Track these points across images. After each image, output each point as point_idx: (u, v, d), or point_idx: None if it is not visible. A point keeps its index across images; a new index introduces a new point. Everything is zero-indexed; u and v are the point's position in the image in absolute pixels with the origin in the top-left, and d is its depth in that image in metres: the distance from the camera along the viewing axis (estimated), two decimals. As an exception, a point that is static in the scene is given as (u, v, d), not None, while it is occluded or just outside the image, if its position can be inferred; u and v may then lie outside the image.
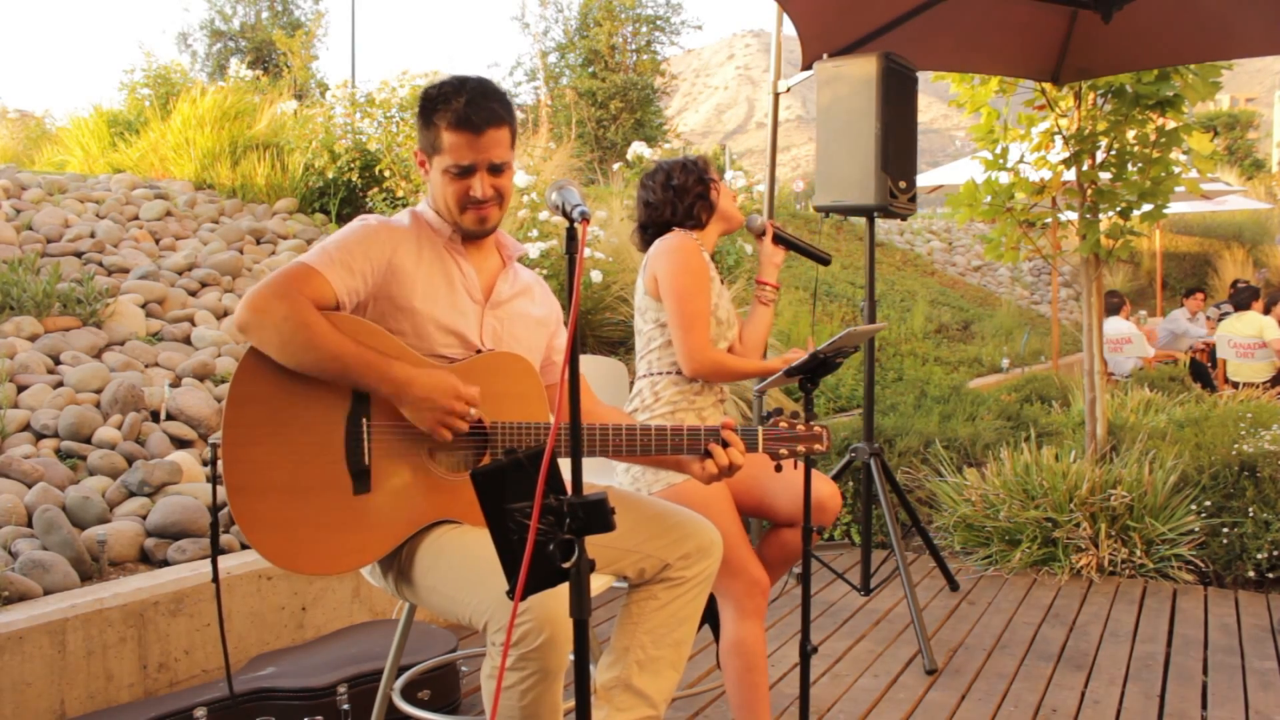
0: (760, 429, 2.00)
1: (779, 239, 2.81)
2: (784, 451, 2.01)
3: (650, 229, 2.69)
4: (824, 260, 2.87)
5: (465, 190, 1.95)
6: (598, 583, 2.15)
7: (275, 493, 1.79)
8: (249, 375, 1.80)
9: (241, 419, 1.79)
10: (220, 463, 1.79)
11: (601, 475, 2.58)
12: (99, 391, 3.83)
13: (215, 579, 2.11)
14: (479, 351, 1.98)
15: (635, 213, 2.78)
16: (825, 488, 2.44)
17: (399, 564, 1.93)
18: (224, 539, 3.17)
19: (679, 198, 2.66)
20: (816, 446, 2.03)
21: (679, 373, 2.51)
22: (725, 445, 1.95)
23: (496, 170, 1.95)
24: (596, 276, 5.66)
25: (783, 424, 2.01)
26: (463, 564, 1.81)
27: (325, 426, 1.81)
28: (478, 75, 2.00)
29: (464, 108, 1.90)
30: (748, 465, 2.44)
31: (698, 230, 2.66)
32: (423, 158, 2.01)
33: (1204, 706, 2.91)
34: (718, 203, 2.67)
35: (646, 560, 2.01)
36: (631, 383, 2.67)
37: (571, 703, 1.47)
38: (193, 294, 5.07)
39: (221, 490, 1.79)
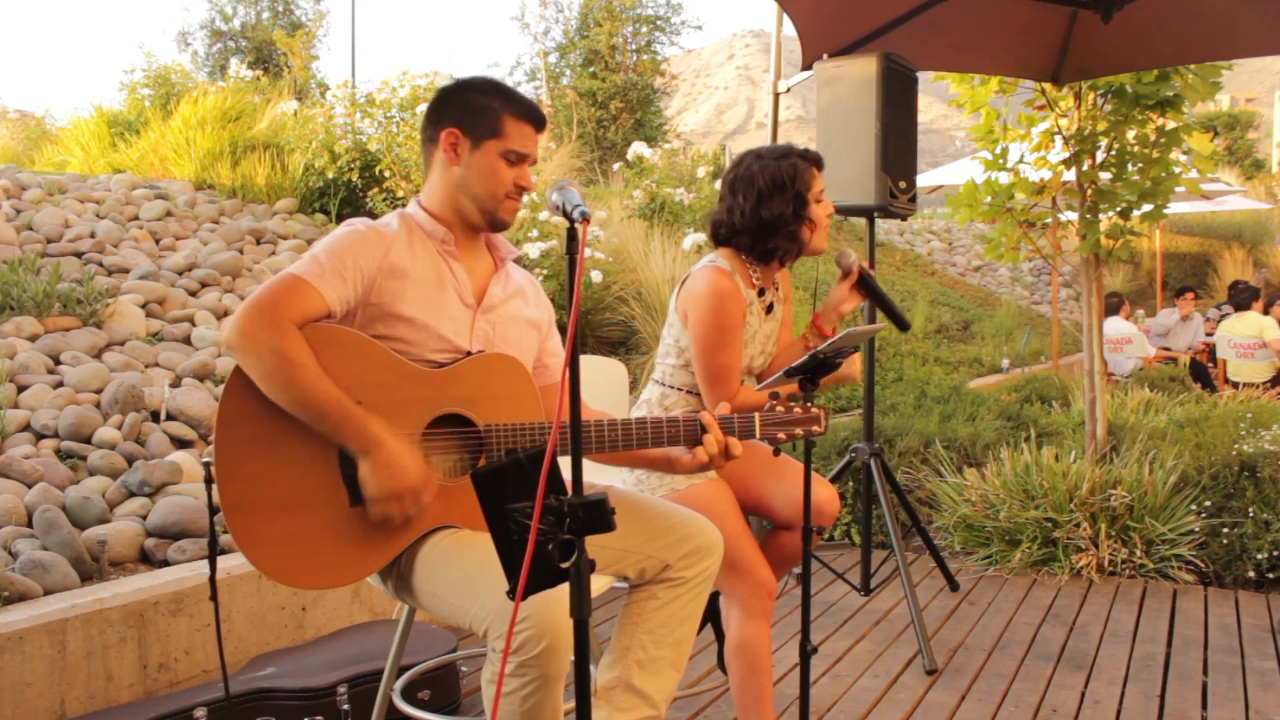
0: (757, 415, 1.98)
1: (866, 284, 2.48)
2: (782, 436, 1.98)
3: (720, 236, 2.46)
4: (904, 326, 2.54)
5: (514, 178, 1.98)
6: (598, 583, 2.15)
7: (272, 509, 1.77)
8: (238, 392, 1.76)
9: (233, 437, 1.76)
10: (214, 481, 1.77)
11: (602, 475, 2.58)
12: (99, 391, 3.83)
13: (213, 586, 2.10)
14: (469, 353, 1.96)
15: (716, 202, 2.50)
16: (823, 491, 2.42)
17: (399, 570, 1.92)
18: (224, 539, 3.17)
19: (764, 233, 2.37)
20: (815, 428, 1.99)
21: (690, 392, 2.48)
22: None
23: (532, 166, 2.04)
24: (596, 276, 5.66)
25: (779, 408, 1.98)
26: (462, 570, 1.80)
27: (318, 439, 1.79)
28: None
29: (528, 104, 2.00)
30: (745, 464, 2.43)
31: (763, 266, 2.45)
32: (456, 138, 1.96)
33: (1204, 706, 2.91)
34: (808, 243, 2.39)
35: (647, 560, 2.01)
36: (633, 383, 2.65)
37: (572, 703, 1.47)
38: (193, 294, 5.07)
39: (217, 502, 1.77)
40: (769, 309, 2.52)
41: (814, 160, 2.43)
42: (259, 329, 1.73)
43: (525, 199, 5.98)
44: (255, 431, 1.77)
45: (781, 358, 2.56)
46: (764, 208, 2.37)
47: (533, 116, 2.00)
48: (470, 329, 1.98)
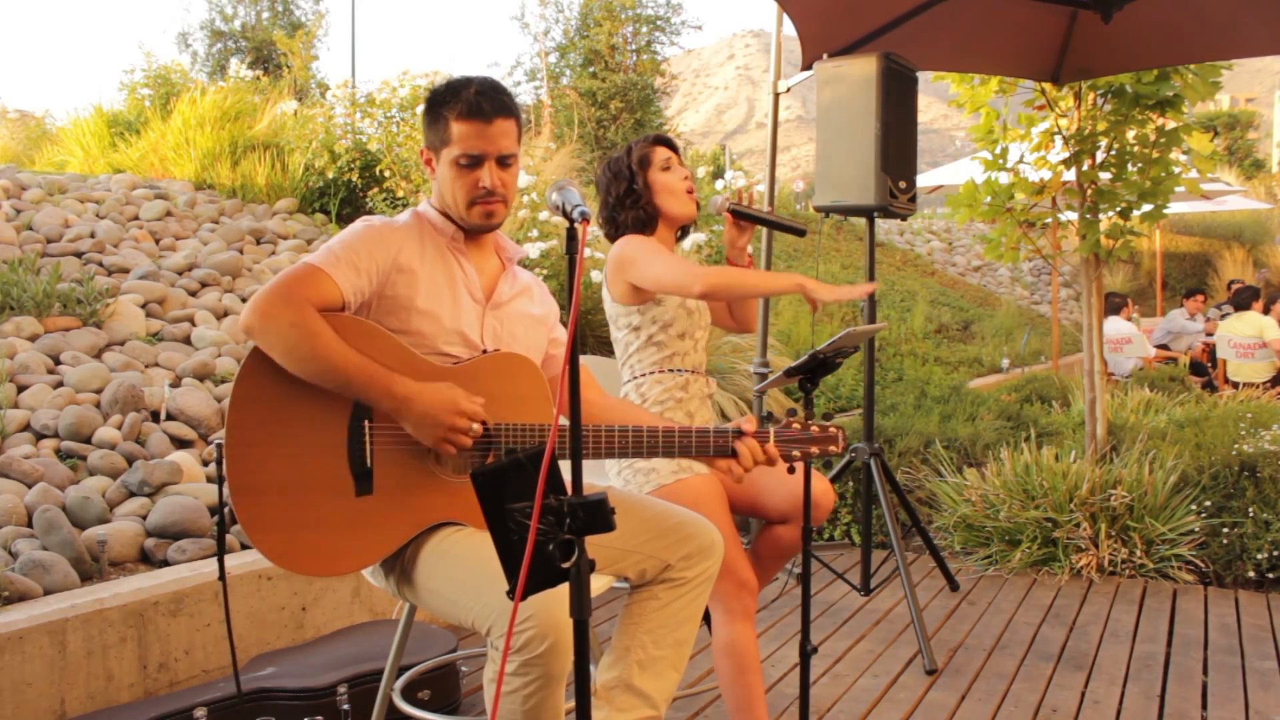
0: (773, 430, 1.98)
1: (738, 214, 2.57)
2: (797, 453, 1.98)
3: (606, 234, 2.64)
4: (799, 232, 2.58)
5: (475, 182, 1.95)
6: (598, 583, 2.15)
7: (278, 493, 1.79)
8: (252, 376, 1.79)
9: (245, 419, 1.79)
10: (224, 462, 1.79)
11: (597, 476, 2.58)
12: (99, 391, 3.83)
13: (222, 577, 2.10)
14: (484, 352, 1.98)
15: None
16: (818, 485, 2.42)
17: (401, 565, 1.92)
18: (226, 538, 3.16)
19: (616, 212, 2.56)
20: (831, 448, 1.99)
21: (661, 370, 2.51)
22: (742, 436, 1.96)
23: (504, 163, 1.97)
24: (597, 276, 5.65)
25: (796, 425, 1.99)
26: (466, 568, 1.81)
27: (328, 427, 1.81)
28: (483, 75, 2.01)
29: (474, 97, 1.92)
30: None
31: (647, 235, 2.56)
32: (429, 155, 2.02)
33: (1204, 706, 2.91)
34: (654, 204, 2.53)
35: (648, 561, 2.01)
36: None
37: (572, 702, 1.47)
38: (193, 294, 5.07)
39: (225, 489, 1.79)
40: None
41: (654, 140, 2.59)
42: (277, 308, 1.76)
43: (526, 199, 5.92)
44: (267, 415, 1.79)
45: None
46: (609, 193, 2.58)
47: (476, 111, 1.91)
48: (480, 324, 2.00)
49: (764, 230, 4.30)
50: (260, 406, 1.79)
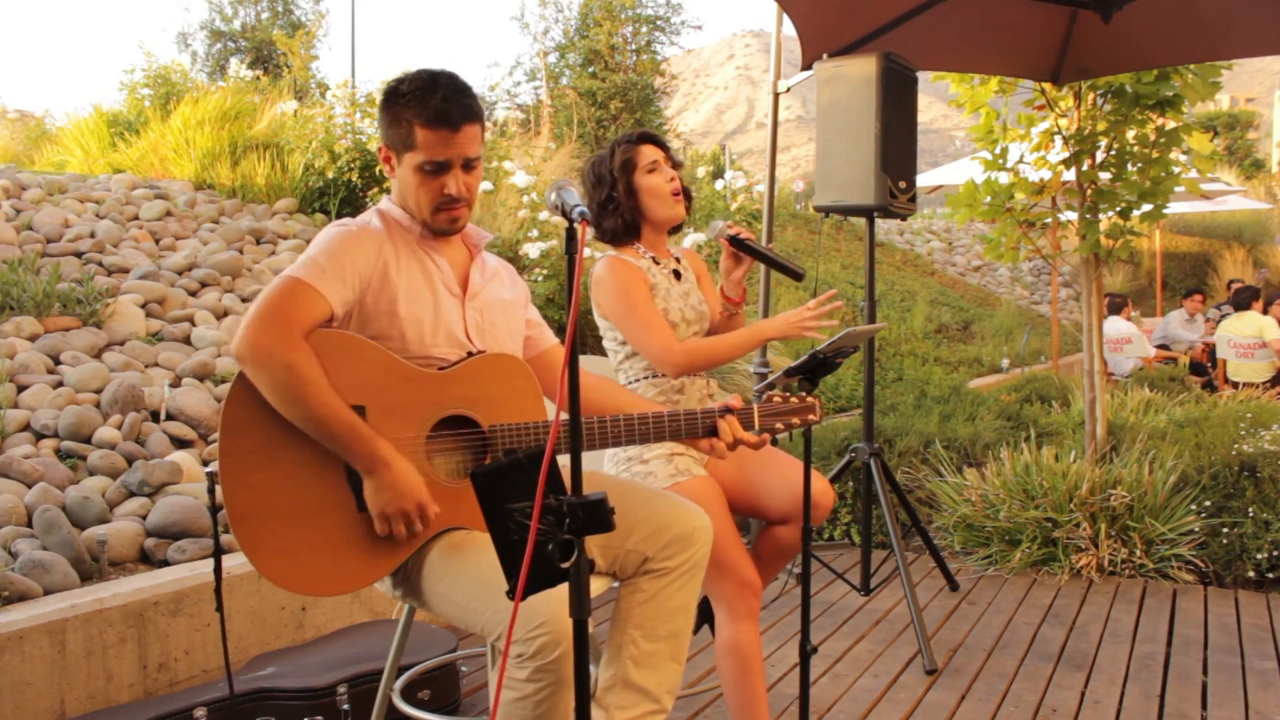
0: (755, 405, 2.02)
1: (736, 244, 2.48)
2: (779, 426, 2.02)
3: (597, 236, 2.62)
4: (796, 275, 2.48)
5: (440, 188, 1.91)
6: (598, 583, 2.14)
7: (278, 518, 1.76)
8: (241, 401, 1.75)
9: (237, 447, 1.75)
10: (219, 491, 1.76)
11: (594, 464, 2.57)
12: (99, 391, 3.83)
13: (217, 583, 2.10)
14: (470, 354, 1.95)
15: None
16: (818, 485, 2.42)
17: (405, 571, 1.91)
18: (224, 538, 3.17)
19: (600, 218, 2.53)
20: (810, 417, 2.05)
21: (654, 375, 2.51)
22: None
23: (469, 167, 1.93)
24: (596, 276, 5.65)
25: (775, 398, 2.03)
26: (473, 574, 1.79)
27: (323, 446, 1.78)
28: (445, 70, 1.94)
29: (441, 104, 1.87)
30: (740, 463, 2.44)
31: (633, 244, 2.55)
32: (389, 154, 1.96)
33: (1204, 706, 2.91)
34: (639, 210, 2.50)
35: (626, 555, 1.98)
36: None
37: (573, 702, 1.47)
38: (193, 294, 5.07)
39: (219, 496, 1.77)
40: (677, 275, 2.59)
41: (639, 139, 2.53)
42: (270, 342, 1.71)
43: (526, 199, 5.92)
44: (260, 441, 1.76)
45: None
46: (592, 198, 2.55)
47: (443, 119, 1.86)
48: (463, 319, 1.98)
49: (764, 230, 4.30)
50: (252, 433, 1.76)
